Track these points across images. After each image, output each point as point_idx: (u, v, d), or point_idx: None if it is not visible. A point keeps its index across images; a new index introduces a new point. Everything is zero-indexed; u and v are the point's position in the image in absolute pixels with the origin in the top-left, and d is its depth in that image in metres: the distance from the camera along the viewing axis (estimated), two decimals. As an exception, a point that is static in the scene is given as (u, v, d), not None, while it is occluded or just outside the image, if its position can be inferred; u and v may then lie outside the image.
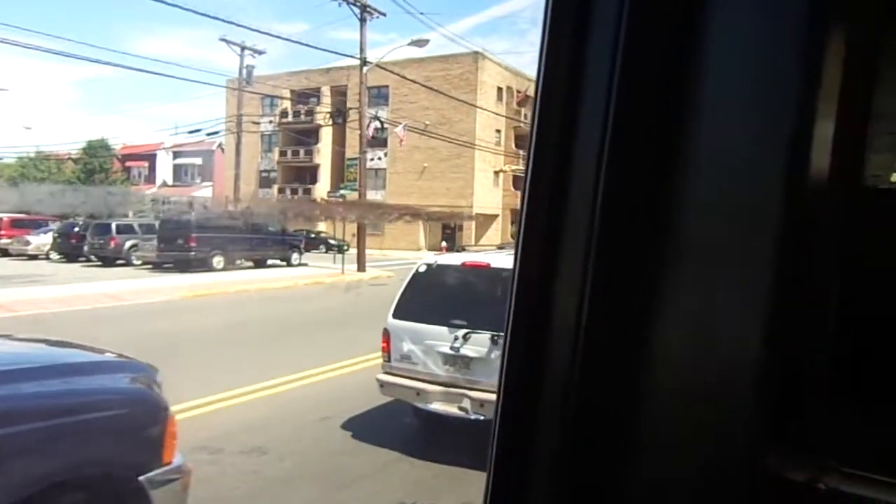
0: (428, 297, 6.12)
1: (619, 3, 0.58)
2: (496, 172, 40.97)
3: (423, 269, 6.22)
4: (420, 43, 23.27)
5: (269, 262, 25.01)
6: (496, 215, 40.51)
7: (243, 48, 29.71)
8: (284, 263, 25.14)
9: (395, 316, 6.04)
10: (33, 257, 26.79)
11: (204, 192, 47.68)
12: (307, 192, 43.47)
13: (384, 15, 23.94)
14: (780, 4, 0.57)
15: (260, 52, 30.66)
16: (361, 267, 22.87)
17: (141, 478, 3.03)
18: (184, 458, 3.40)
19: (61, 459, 2.84)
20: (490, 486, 0.66)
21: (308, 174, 44.72)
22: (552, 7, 0.61)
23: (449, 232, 39.51)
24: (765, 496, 0.59)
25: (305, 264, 25.43)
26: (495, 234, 38.95)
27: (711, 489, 0.58)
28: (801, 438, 0.67)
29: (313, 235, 36.20)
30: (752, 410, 0.57)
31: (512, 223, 39.02)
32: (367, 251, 25.08)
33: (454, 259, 6.35)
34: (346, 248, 26.15)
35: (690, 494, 0.59)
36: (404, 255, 28.73)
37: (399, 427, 6.36)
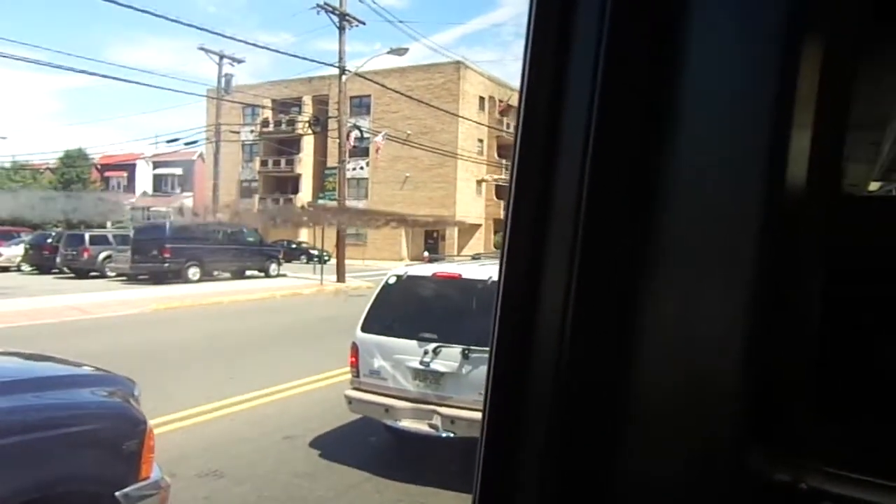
0: (398, 310, 5.90)
1: (600, 14, 0.60)
2: (479, 182, 40.92)
3: (392, 280, 5.99)
4: (399, 51, 23.12)
5: (248, 273, 24.62)
6: (479, 225, 40.42)
7: (222, 57, 29.39)
8: (263, 274, 24.77)
9: (363, 329, 5.81)
10: (4, 269, 26.24)
11: (185, 202, 47.13)
12: (288, 201, 43.15)
13: (363, 24, 23.81)
14: (758, 13, 0.58)
15: (239, 61, 30.37)
16: (341, 277, 22.57)
17: (117, 493, 2.98)
18: (161, 473, 3.32)
19: (33, 477, 2.75)
20: (478, 490, 0.66)
21: (290, 184, 44.40)
22: (535, 17, 0.63)
23: (432, 242, 39.34)
24: (747, 496, 0.59)
25: (284, 275, 25.09)
26: (478, 243, 38.84)
27: (694, 490, 0.59)
28: (784, 439, 0.67)
29: (294, 246, 35.85)
30: (735, 411, 0.58)
31: (495, 233, 38.91)
32: (350, 261, 24.80)
33: (425, 270, 6.12)
34: (327, 258, 25.83)
35: (673, 495, 0.59)
36: (386, 266, 28.47)
37: (367, 446, 6.10)
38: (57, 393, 3.20)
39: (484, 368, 0.71)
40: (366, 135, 34.41)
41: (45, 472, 2.79)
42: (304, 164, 43.76)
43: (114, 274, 23.66)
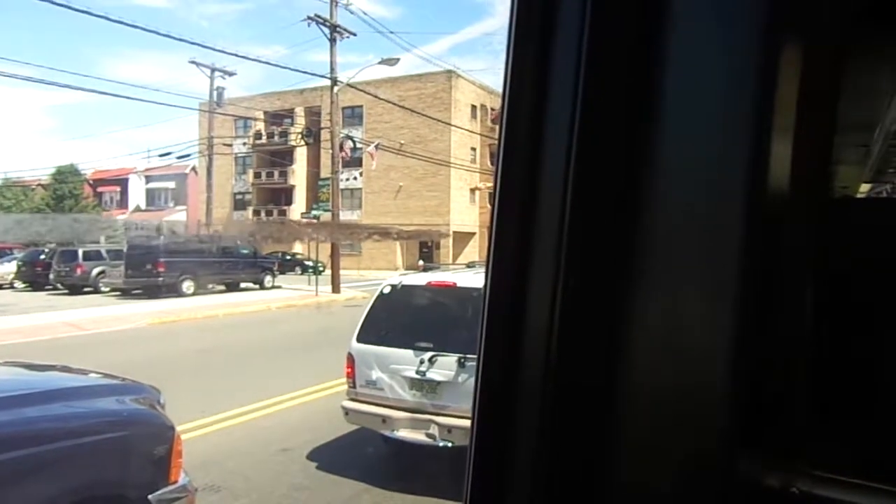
0: (393, 320, 5.89)
1: (580, 18, 0.60)
2: (472, 190, 40.99)
3: (387, 290, 5.98)
4: (390, 62, 23.20)
5: (243, 285, 24.54)
6: (473, 233, 40.44)
7: (213, 70, 29.45)
8: (257, 287, 24.69)
9: (359, 340, 5.79)
10: (-3, 286, 26.03)
11: (178, 215, 47.02)
12: (282, 213, 43.09)
13: (354, 35, 23.89)
14: (740, 13, 0.57)
15: (230, 74, 30.44)
16: (336, 288, 22.52)
17: (150, 497, 3.08)
18: (189, 478, 3.43)
19: (71, 482, 2.88)
20: (468, 498, 0.66)
21: (283, 195, 44.36)
22: (516, 23, 0.63)
23: (426, 251, 39.31)
24: (739, 502, 0.59)
25: (279, 287, 25.01)
26: (473, 251, 38.84)
27: (685, 496, 0.58)
28: (774, 444, 0.66)
29: (289, 257, 35.78)
30: (724, 416, 0.57)
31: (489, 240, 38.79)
32: (345, 272, 24.75)
33: (419, 279, 6.12)
34: (321, 269, 25.78)
35: (664, 501, 0.59)
36: (381, 275, 28.41)
37: (365, 457, 6.06)
38: (90, 402, 3.34)
39: None
40: (359, 145, 34.45)
41: (83, 477, 2.94)
42: (298, 176, 43.75)
43: (108, 289, 23.54)
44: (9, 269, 26.89)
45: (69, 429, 3.01)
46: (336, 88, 23.57)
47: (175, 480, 3.26)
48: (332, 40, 23.32)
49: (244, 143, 44.42)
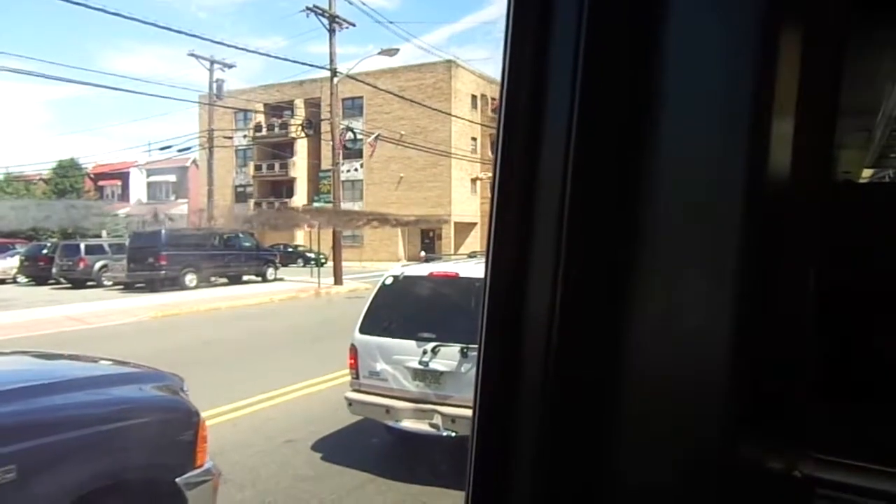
0: (395, 311, 5.91)
1: (578, 8, 0.59)
2: (473, 180, 40.92)
3: (389, 281, 5.99)
4: (390, 52, 23.11)
5: (245, 277, 24.58)
6: (475, 223, 40.42)
7: (212, 62, 29.33)
8: (260, 279, 24.73)
9: (361, 331, 5.81)
10: (0, 281, 26.09)
11: (180, 209, 47.03)
12: (284, 205, 43.08)
13: (353, 25, 23.77)
14: (737, 4, 0.57)
15: (230, 66, 30.27)
16: (338, 280, 22.53)
17: (177, 480, 3.23)
18: (213, 461, 3.56)
19: (103, 466, 3.04)
20: (470, 490, 0.66)
21: (284, 187, 44.35)
22: (513, 17, 0.63)
23: (428, 241, 39.32)
24: (742, 488, 0.59)
25: (282, 279, 25.06)
26: (474, 241, 38.82)
27: (688, 484, 0.59)
28: (776, 429, 0.67)
29: (290, 249, 35.81)
30: (726, 403, 0.57)
31: (491, 230, 38.72)
32: (346, 263, 24.76)
33: (421, 270, 6.13)
34: (324, 261, 25.80)
35: (668, 490, 0.59)
36: (383, 267, 28.40)
37: (369, 447, 6.10)
38: (119, 389, 3.51)
39: None
40: (359, 136, 34.37)
41: (114, 461, 3.09)
42: (299, 168, 43.70)
43: (110, 283, 23.58)
44: (11, 263, 26.94)
45: (101, 415, 3.17)
46: (336, 79, 23.48)
47: (201, 464, 3.38)
48: (331, 31, 23.21)
49: (244, 136, 44.35)
